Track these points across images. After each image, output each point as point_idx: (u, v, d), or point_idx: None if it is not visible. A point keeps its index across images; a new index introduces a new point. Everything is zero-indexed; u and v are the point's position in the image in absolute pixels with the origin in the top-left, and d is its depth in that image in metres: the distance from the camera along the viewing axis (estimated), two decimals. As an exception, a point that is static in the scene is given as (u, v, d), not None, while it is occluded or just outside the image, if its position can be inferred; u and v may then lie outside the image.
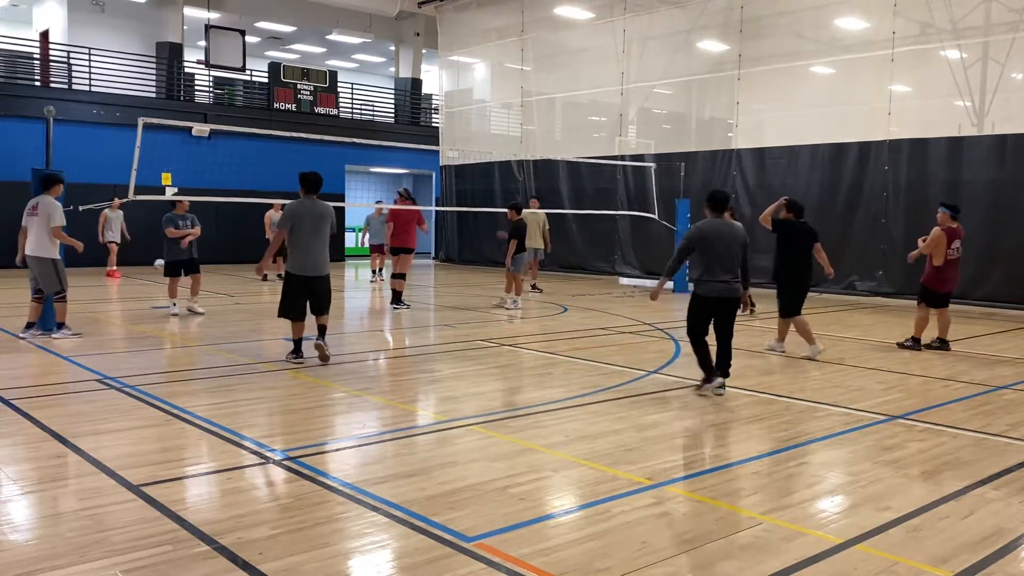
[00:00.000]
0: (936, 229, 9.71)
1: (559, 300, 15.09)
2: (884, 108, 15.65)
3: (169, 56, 23.69)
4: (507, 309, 13.34)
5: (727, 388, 7.19)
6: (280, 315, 8.33)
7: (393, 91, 29.47)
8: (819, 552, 3.81)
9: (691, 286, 7.49)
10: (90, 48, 21.90)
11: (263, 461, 5.11)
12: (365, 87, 28.89)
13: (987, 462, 5.31)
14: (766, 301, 13.30)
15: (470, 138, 24.79)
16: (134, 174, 10.76)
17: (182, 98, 24.01)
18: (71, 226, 9.57)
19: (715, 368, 7.21)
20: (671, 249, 17.36)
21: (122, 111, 20.94)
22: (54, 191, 9.55)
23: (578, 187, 21.36)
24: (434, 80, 27.77)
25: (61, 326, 9.63)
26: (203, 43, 22.96)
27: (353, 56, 33.23)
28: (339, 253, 24.36)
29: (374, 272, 18.60)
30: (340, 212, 19.72)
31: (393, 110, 28.69)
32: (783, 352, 9.40)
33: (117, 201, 17.60)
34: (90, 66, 21.79)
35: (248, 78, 25.84)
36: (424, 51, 29.04)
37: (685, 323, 7.34)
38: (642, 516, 4.24)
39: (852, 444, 5.74)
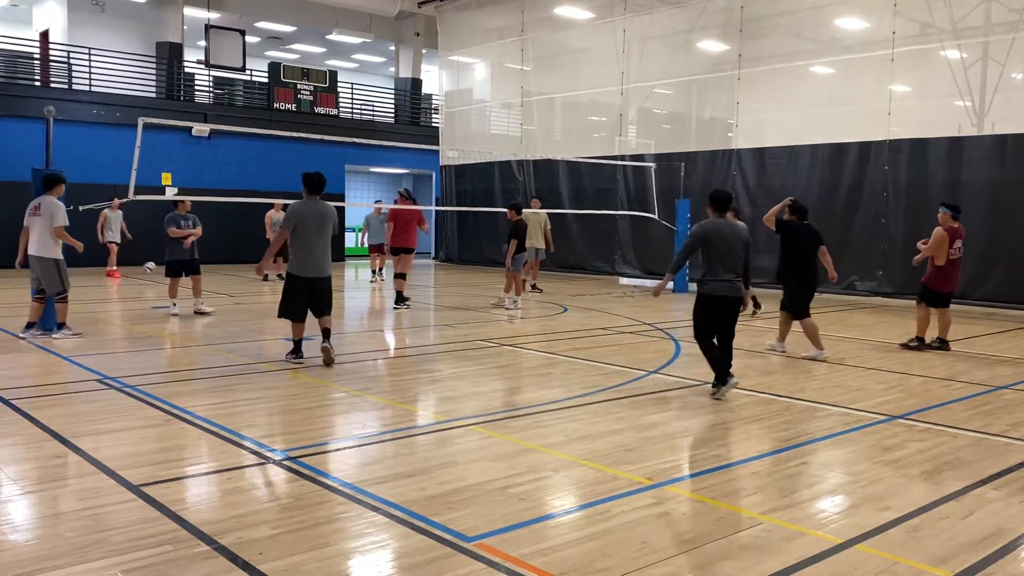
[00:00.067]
0: (938, 229, 9.70)
1: (559, 300, 15.09)
2: (884, 108, 15.65)
3: (169, 56, 23.69)
4: (507, 309, 13.34)
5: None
6: (280, 315, 8.33)
7: (393, 91, 29.48)
8: (819, 552, 3.81)
9: (691, 287, 7.48)
10: (90, 48, 21.90)
11: (263, 461, 5.11)
12: (365, 87, 28.90)
13: (987, 462, 5.31)
14: (768, 301, 13.31)
15: (470, 138, 24.79)
16: (134, 174, 10.75)
17: (182, 98, 24.01)
18: (71, 226, 9.57)
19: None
20: (671, 249, 17.44)
21: (122, 111, 20.94)
22: (56, 191, 9.55)
23: (578, 187, 21.36)
24: (434, 80, 27.77)
25: (61, 326, 9.62)
26: (203, 43, 22.96)
27: (353, 56, 33.23)
28: (339, 253, 24.35)
29: (374, 272, 18.60)
30: (340, 212, 19.67)
31: (393, 110, 28.69)
32: (783, 352, 9.40)
33: (117, 201, 17.61)
34: (90, 66, 21.79)
35: (248, 78, 25.84)
36: (424, 51, 29.04)
37: (692, 327, 7.25)
38: (642, 516, 4.24)
39: (852, 444, 5.74)
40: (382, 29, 28.19)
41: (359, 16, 27.07)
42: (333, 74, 25.71)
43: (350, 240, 25.50)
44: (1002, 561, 3.77)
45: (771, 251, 14.60)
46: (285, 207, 17.14)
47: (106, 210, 17.90)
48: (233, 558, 3.63)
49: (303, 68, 25.31)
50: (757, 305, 12.75)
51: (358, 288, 17.94)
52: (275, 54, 30.76)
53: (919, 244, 10.06)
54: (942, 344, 9.95)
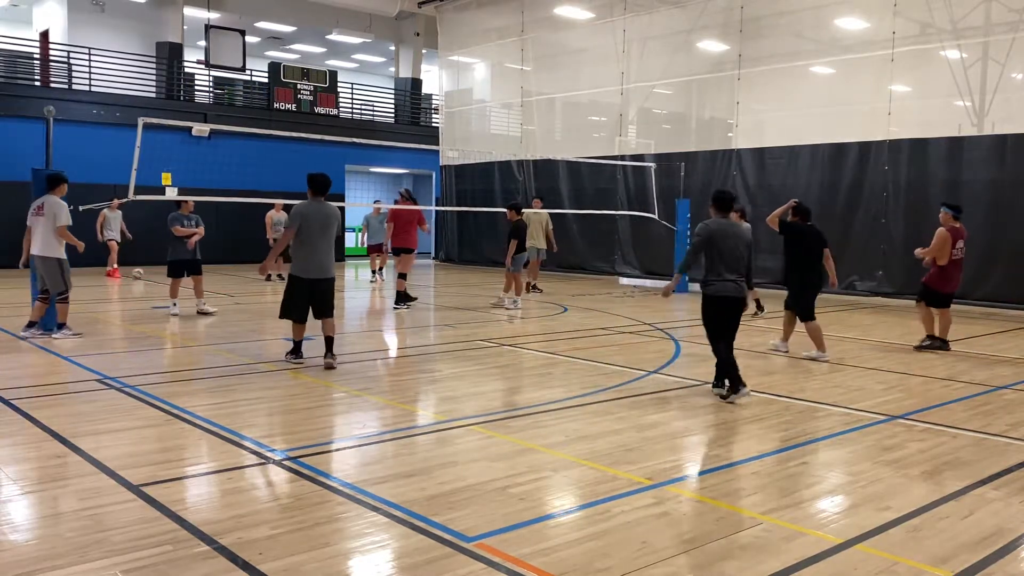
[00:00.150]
0: (941, 230, 9.69)
1: (559, 300, 15.09)
2: (884, 108, 15.65)
3: (169, 56, 23.69)
4: (507, 309, 13.34)
5: (726, 387, 7.16)
6: (282, 316, 8.30)
7: (393, 91, 29.48)
8: (819, 552, 3.81)
9: (691, 287, 7.47)
10: (90, 48, 21.90)
11: (263, 461, 5.11)
12: (365, 87, 28.90)
13: (987, 462, 5.31)
14: (770, 301, 13.31)
15: (470, 138, 24.79)
16: (134, 174, 10.76)
17: (182, 98, 24.02)
18: (72, 226, 9.57)
19: (718, 374, 7.18)
20: (671, 249, 17.45)
21: (122, 111, 20.94)
22: (59, 191, 9.55)
23: (578, 187, 21.36)
24: (434, 80, 27.77)
25: (62, 326, 9.62)
26: (203, 43, 22.97)
27: (353, 56, 33.24)
28: (339, 254, 24.34)
29: (374, 272, 18.60)
30: (340, 212, 19.71)
31: (393, 110, 28.70)
32: (786, 352, 9.40)
33: (116, 202, 17.61)
34: (90, 66, 21.79)
35: (248, 78, 25.85)
36: (424, 51, 29.04)
37: (706, 332, 7.14)
38: (642, 516, 4.24)
39: (852, 444, 5.74)
40: (382, 29, 28.19)
41: (359, 16, 27.07)
42: (333, 74, 25.71)
43: (350, 240, 25.51)
44: (1002, 561, 3.77)
45: (772, 251, 14.65)
46: (285, 207, 17.29)
47: (105, 210, 17.90)
48: (233, 558, 3.63)
49: (303, 68, 25.32)
50: (760, 307, 12.75)
51: (358, 288, 17.93)
52: (275, 54, 30.76)
53: (917, 252, 10.05)
54: (942, 344, 9.94)
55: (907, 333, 11.37)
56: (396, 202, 14.25)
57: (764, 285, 14.61)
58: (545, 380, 7.95)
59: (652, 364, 8.68)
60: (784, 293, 9.64)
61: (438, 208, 25.01)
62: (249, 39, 24.47)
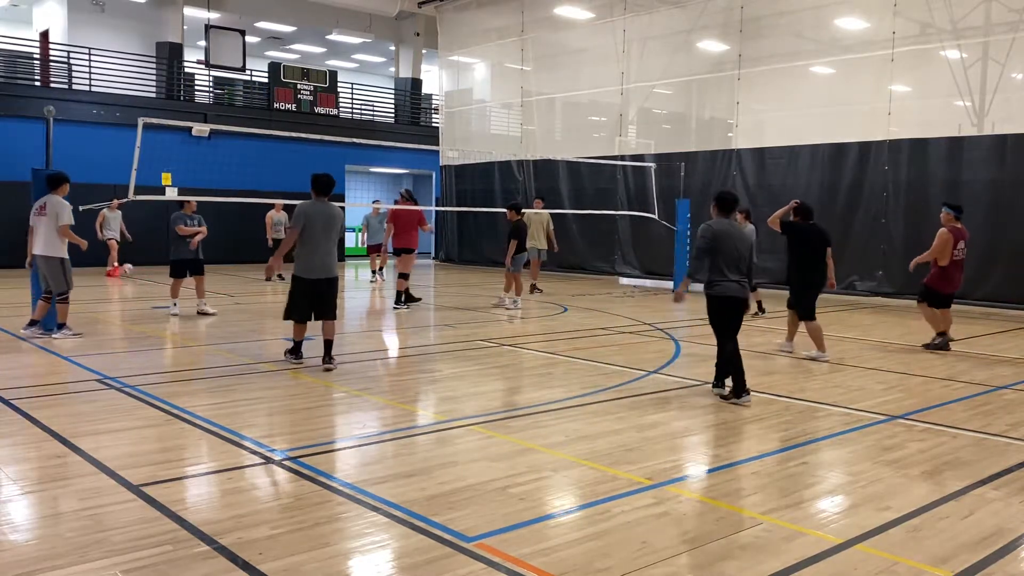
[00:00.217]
0: (942, 231, 9.69)
1: (559, 300, 15.09)
2: (884, 108, 15.65)
3: (169, 56, 23.70)
4: (507, 309, 13.34)
5: (726, 387, 7.17)
6: (286, 318, 8.28)
7: (393, 91, 29.48)
8: (819, 552, 3.81)
9: (693, 287, 7.45)
10: (90, 48, 21.90)
11: (263, 461, 5.11)
12: (365, 87, 28.90)
13: (987, 462, 5.31)
14: (771, 302, 13.32)
15: (470, 138, 24.79)
16: (134, 174, 10.76)
17: (182, 98, 24.02)
18: (74, 226, 9.57)
19: (718, 374, 7.18)
20: (671, 249, 17.45)
21: (122, 111, 20.94)
22: (61, 190, 9.55)
23: (578, 187, 21.35)
24: (434, 80, 27.77)
25: (62, 326, 9.62)
26: (203, 43, 22.97)
27: (353, 56, 33.23)
28: (339, 254, 24.35)
29: (374, 272, 18.60)
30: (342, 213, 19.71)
31: (393, 110, 28.70)
32: (791, 352, 9.40)
33: (116, 202, 17.61)
34: (90, 66, 21.79)
35: (248, 78, 25.85)
36: (424, 51, 29.04)
37: (715, 333, 7.09)
38: (642, 516, 4.24)
39: (852, 444, 5.74)
40: (382, 29, 28.19)
41: (359, 16, 27.07)
42: (333, 74, 25.71)
43: (350, 240, 25.50)
44: (1002, 561, 3.77)
45: (773, 251, 14.64)
46: (285, 207, 17.29)
47: (105, 210, 17.90)
48: (233, 558, 3.63)
49: (303, 68, 25.31)
50: (761, 309, 12.75)
51: (358, 288, 17.93)
52: (275, 54, 30.77)
53: (912, 264, 10.03)
54: (943, 344, 9.94)
55: (907, 333, 11.37)
56: (396, 202, 14.24)
57: (765, 285, 14.61)
58: (545, 380, 7.95)
59: (652, 364, 8.68)
60: (785, 294, 9.64)
61: (438, 208, 25.01)
62: (249, 39, 24.47)
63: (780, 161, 17.29)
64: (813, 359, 9.04)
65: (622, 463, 5.14)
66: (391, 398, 7.05)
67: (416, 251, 13.69)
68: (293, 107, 24.46)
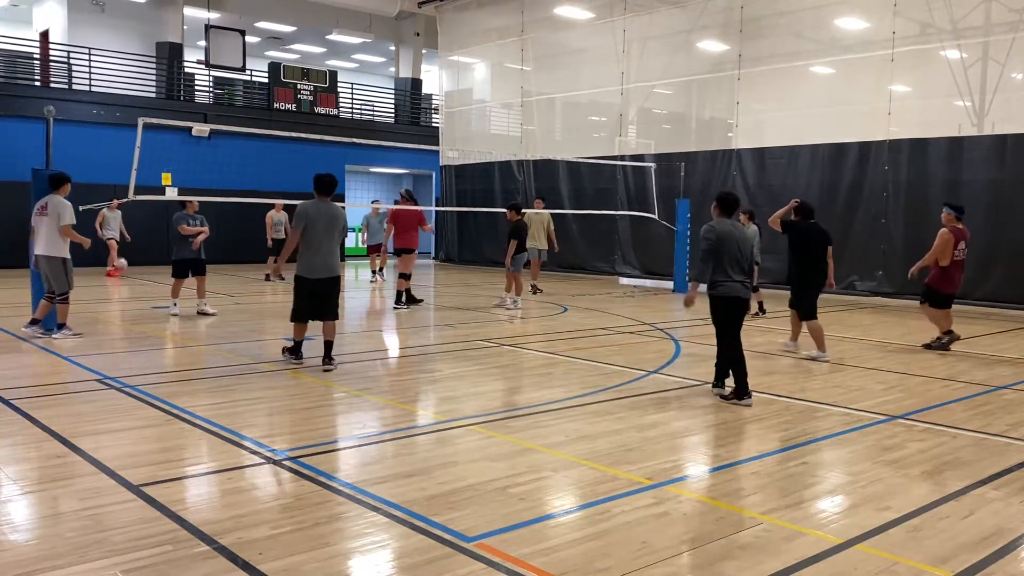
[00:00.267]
0: (943, 231, 9.68)
1: (559, 300, 15.09)
2: (884, 108, 15.65)
3: (169, 56, 23.70)
4: (507, 309, 13.34)
5: (726, 387, 7.17)
6: (293, 319, 8.26)
7: (393, 91, 29.48)
8: (819, 552, 3.81)
9: (691, 287, 7.44)
10: (90, 48, 21.90)
11: (263, 461, 5.11)
12: (365, 87, 28.90)
13: (987, 462, 5.31)
14: (771, 302, 13.32)
15: (470, 138, 24.79)
16: (134, 174, 10.76)
17: (182, 98, 24.02)
18: (75, 226, 9.58)
19: (718, 374, 7.18)
20: (671, 249, 17.46)
21: (122, 111, 20.94)
22: (63, 190, 9.55)
23: (578, 187, 21.36)
24: (434, 80, 27.78)
25: (62, 327, 9.62)
26: (203, 43, 22.97)
27: (353, 56, 33.24)
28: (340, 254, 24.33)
29: (374, 272, 18.60)
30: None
31: (393, 110, 28.70)
32: (796, 352, 9.40)
33: (115, 202, 17.60)
34: (90, 66, 21.80)
35: (248, 78, 25.85)
36: (424, 51, 29.05)
37: (722, 332, 7.03)
38: (642, 516, 4.24)
39: (852, 444, 5.74)
40: (382, 29, 28.19)
41: (359, 16, 27.08)
42: (333, 74, 25.71)
43: (350, 240, 25.49)
44: (1002, 561, 3.77)
45: (773, 252, 14.64)
46: (285, 207, 17.28)
47: (104, 210, 17.90)
48: (233, 558, 3.63)
49: (303, 68, 25.32)
50: (762, 310, 12.75)
51: (358, 288, 17.93)
52: (275, 54, 30.77)
53: (912, 271, 10.02)
54: (942, 344, 9.94)
55: (907, 333, 11.37)
56: (396, 203, 14.24)
57: (765, 285, 14.61)
58: (545, 380, 7.95)
59: (652, 364, 8.68)
60: (784, 294, 9.64)
61: (438, 208, 25.02)
62: (249, 39, 24.47)
63: (780, 161, 17.29)
64: (813, 359, 9.04)
65: (622, 463, 5.14)
66: (391, 398, 7.05)
67: (417, 251, 13.69)
68: (293, 107, 24.47)
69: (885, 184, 15.72)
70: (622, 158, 19.88)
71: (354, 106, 28.14)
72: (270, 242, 17.81)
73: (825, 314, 13.02)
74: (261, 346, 9.51)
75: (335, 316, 8.16)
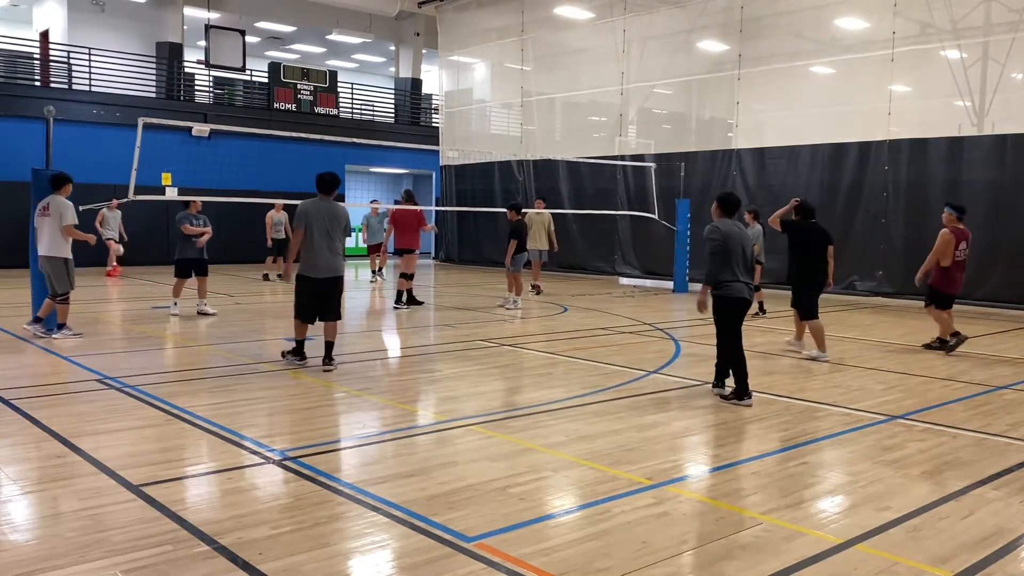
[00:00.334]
0: (944, 231, 9.67)
1: (559, 300, 15.09)
2: (884, 108, 15.65)
3: (169, 56, 23.70)
4: (507, 309, 13.34)
5: (726, 387, 7.17)
6: (296, 317, 8.27)
7: (393, 91, 29.48)
8: (819, 552, 3.81)
9: (692, 287, 7.44)
10: (90, 48, 21.90)
11: (263, 461, 5.11)
12: (365, 87, 28.90)
13: (987, 462, 5.31)
14: (772, 302, 13.32)
15: (470, 138, 24.79)
16: (134, 174, 10.76)
17: (182, 98, 24.02)
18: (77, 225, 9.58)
19: (718, 374, 7.18)
20: (671, 249, 17.45)
21: (122, 111, 20.94)
22: (64, 190, 9.55)
23: (578, 187, 21.36)
24: (434, 80, 27.78)
25: (62, 327, 9.62)
26: (203, 43, 22.97)
27: (353, 56, 33.24)
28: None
29: (374, 272, 18.60)
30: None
31: (393, 110, 28.70)
32: (800, 351, 9.40)
33: (115, 202, 17.60)
34: (90, 66, 21.80)
35: (248, 78, 25.85)
36: (424, 51, 29.05)
37: (726, 333, 6.99)
38: (642, 516, 4.24)
39: (852, 444, 5.74)
40: (382, 29, 28.19)
41: (359, 16, 27.08)
42: (333, 74, 25.71)
43: (349, 240, 25.48)
44: (1002, 561, 3.77)
45: (773, 252, 14.63)
46: (286, 207, 17.27)
47: (104, 209, 17.90)
48: (233, 558, 3.63)
49: (303, 68, 25.32)
50: (762, 310, 12.75)
51: (358, 288, 17.93)
52: (275, 54, 30.77)
53: (919, 278, 10.02)
54: (942, 344, 9.94)
55: (907, 333, 11.37)
56: (396, 203, 14.23)
57: (766, 285, 14.61)
58: (545, 380, 7.95)
59: (652, 364, 8.68)
60: (784, 294, 9.64)
61: (438, 208, 25.02)
62: (249, 39, 24.47)
63: (780, 161, 17.29)
64: (813, 359, 9.04)
65: (622, 463, 5.14)
66: (391, 398, 7.05)
67: (418, 251, 13.69)
68: (293, 107, 24.47)
69: (885, 184, 15.72)
70: (622, 158, 19.88)
71: (354, 106, 28.14)
72: (270, 242, 17.81)
73: (825, 314, 13.01)
74: (261, 346, 9.51)
75: (337, 316, 8.14)
